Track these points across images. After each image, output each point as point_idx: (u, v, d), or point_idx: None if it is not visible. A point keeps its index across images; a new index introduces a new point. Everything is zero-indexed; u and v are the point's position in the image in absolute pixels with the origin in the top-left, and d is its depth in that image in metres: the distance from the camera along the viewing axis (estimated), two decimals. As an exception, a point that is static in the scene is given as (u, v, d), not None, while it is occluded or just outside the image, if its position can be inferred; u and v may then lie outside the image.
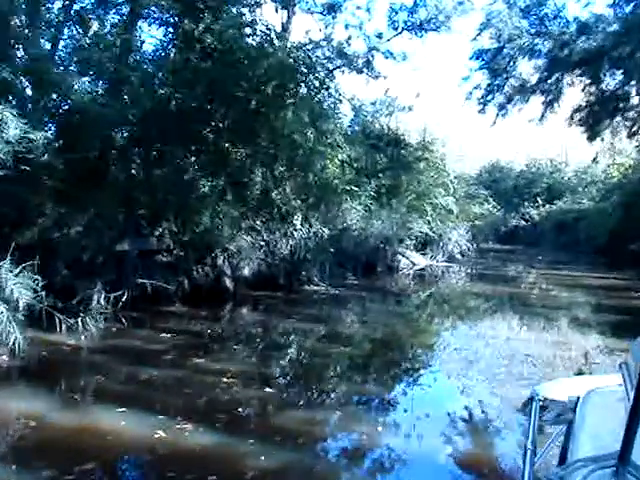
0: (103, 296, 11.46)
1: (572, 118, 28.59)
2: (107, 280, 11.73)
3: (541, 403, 2.66)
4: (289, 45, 13.28)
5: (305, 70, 12.60)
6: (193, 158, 12.45)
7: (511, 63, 26.50)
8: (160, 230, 12.64)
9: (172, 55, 12.84)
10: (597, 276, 23.86)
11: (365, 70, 23.53)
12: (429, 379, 8.91)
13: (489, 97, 27.02)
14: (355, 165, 21.59)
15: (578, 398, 2.54)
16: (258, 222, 14.79)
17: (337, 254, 18.64)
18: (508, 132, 66.45)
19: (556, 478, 1.77)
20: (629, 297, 17.42)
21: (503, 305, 16.98)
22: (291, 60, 12.20)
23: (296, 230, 16.13)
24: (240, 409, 6.47)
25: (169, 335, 9.89)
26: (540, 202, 47.62)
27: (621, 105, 33.49)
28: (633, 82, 32.41)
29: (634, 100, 33.44)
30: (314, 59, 14.95)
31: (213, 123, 12.29)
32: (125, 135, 12.03)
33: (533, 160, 53.67)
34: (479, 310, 16.26)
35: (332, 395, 7.63)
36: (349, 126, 21.36)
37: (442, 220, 27.03)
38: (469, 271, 26.58)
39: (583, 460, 1.78)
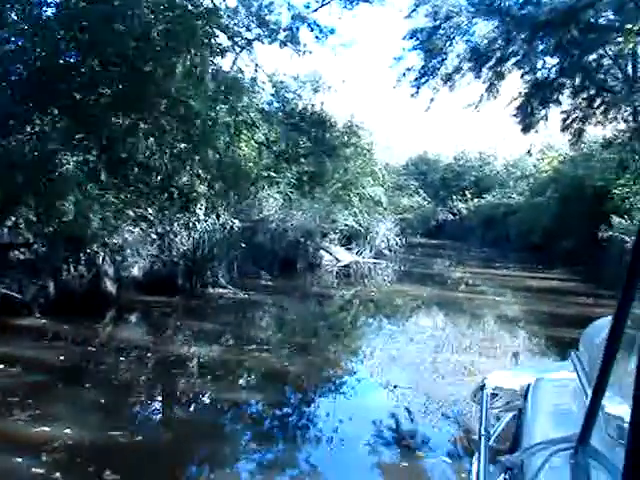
0: None
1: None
2: None
3: (491, 391, 2.69)
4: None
5: (205, 17, 9.84)
6: (57, 124, 9.53)
7: (448, 43, 24.33)
8: (13, 218, 9.72)
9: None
10: (535, 276, 22.12)
11: (289, 44, 20.98)
12: (354, 389, 7.72)
13: (423, 80, 24.79)
14: (274, 148, 19.01)
15: (528, 386, 2.55)
16: (150, 210, 11.99)
17: (251, 249, 16.10)
18: (436, 124, 65.38)
19: (517, 461, 1.87)
20: (581, 304, 15.36)
21: (436, 313, 14.84)
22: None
23: (199, 221, 13.42)
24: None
25: (1, 366, 7.07)
26: (468, 196, 46.47)
27: (555, 96, 32.75)
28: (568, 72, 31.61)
29: (568, 92, 32.91)
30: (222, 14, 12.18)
31: (84, 80, 9.44)
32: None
33: (461, 153, 52.37)
34: (408, 314, 14.11)
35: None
36: (267, 102, 18.69)
37: (369, 212, 24.89)
38: (398, 268, 24.49)
39: (542, 443, 1.83)
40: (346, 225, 22.69)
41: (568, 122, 33.75)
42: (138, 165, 10.07)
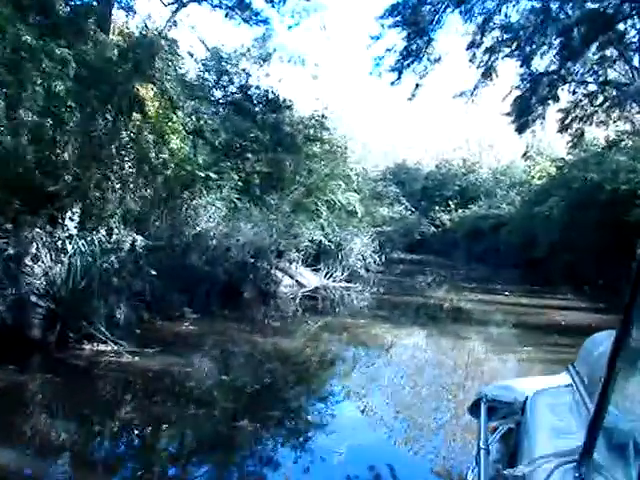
0: None
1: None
2: None
3: (489, 404, 2.62)
4: None
5: None
6: None
7: (437, 18, 19.71)
8: None
9: None
10: (550, 304, 17.78)
11: (238, 11, 16.35)
12: None
13: (407, 62, 20.09)
14: (216, 139, 14.19)
15: (526, 399, 2.52)
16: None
17: (178, 276, 11.40)
18: (416, 130, 61.07)
19: (519, 474, 1.82)
20: None
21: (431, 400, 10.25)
22: None
23: (71, 237, 8.62)
24: None
25: None
26: (452, 206, 42.32)
27: (554, 92, 29.45)
28: (568, 65, 28.32)
29: (567, 87, 29.79)
30: None
31: None
32: None
33: (444, 160, 48.18)
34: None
35: None
36: (198, 74, 13.78)
37: (341, 224, 20.25)
38: (376, 292, 19.87)
39: (545, 456, 1.81)
40: (311, 241, 18.02)
41: (567, 122, 30.09)
42: None
